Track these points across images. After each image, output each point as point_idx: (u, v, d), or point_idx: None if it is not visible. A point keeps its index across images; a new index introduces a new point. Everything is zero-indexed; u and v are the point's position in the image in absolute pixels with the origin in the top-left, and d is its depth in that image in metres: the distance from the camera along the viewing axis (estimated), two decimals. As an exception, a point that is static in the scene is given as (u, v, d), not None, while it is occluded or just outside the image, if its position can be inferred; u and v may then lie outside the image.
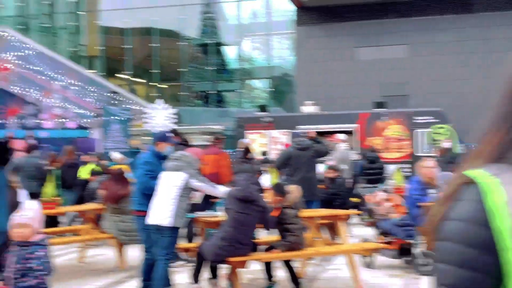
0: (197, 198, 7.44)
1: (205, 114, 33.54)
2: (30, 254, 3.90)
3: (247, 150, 11.06)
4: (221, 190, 6.51)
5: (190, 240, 8.21)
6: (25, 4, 35.94)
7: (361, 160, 13.59)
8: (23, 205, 4.27)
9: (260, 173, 11.29)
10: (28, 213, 4.11)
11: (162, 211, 5.98)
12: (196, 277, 6.25)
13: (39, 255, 3.91)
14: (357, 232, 10.29)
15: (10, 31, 17.09)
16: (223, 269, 6.36)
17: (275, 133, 18.75)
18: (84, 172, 11.66)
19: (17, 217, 4.10)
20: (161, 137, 6.81)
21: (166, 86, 35.65)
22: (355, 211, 9.98)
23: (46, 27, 35.69)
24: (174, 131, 7.76)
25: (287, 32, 33.41)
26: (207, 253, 6.04)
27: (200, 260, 6.20)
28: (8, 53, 17.18)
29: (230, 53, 35.65)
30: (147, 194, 6.24)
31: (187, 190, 6.10)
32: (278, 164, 9.72)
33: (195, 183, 6.12)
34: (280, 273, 6.69)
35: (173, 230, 5.99)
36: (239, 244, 5.92)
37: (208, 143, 11.85)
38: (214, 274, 6.40)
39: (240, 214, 5.95)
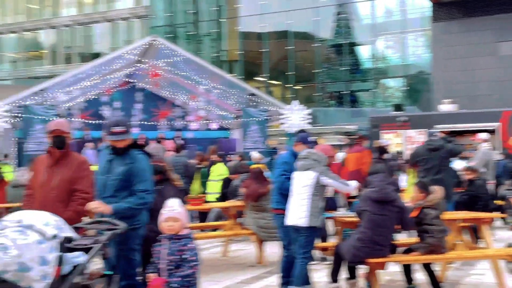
0: (330, 192, 7.27)
1: (339, 114, 33.27)
2: (183, 246, 4.09)
3: (382, 150, 10.78)
4: (352, 186, 6.38)
5: (324, 239, 8.15)
6: (173, 14, 38.04)
7: (504, 160, 12.68)
8: (168, 202, 4.45)
9: (395, 173, 10.95)
10: (177, 208, 4.29)
11: (297, 211, 5.98)
12: (334, 277, 6.17)
13: (191, 247, 4.11)
14: (501, 236, 9.60)
15: (160, 39, 18.10)
16: (361, 269, 6.23)
17: (411, 132, 18.08)
18: (218, 171, 11.95)
19: (167, 212, 4.29)
20: (303, 139, 6.83)
21: (301, 87, 35.90)
22: (499, 213, 9.30)
23: (191, 35, 37.52)
24: (302, 132, 7.73)
25: (422, 29, 32.13)
26: (344, 253, 5.95)
27: (338, 260, 6.12)
28: (158, 60, 18.20)
29: (364, 52, 35.03)
30: (284, 194, 6.29)
31: (318, 188, 6.03)
32: (411, 163, 9.40)
33: (326, 180, 6.04)
34: (420, 276, 6.41)
35: (310, 229, 5.96)
36: (377, 245, 5.76)
37: (345, 143, 11.70)
38: (352, 274, 6.28)
39: (376, 216, 5.79)
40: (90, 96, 19.63)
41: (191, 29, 37.53)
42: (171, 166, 11.44)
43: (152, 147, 10.40)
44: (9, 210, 9.34)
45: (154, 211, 4.59)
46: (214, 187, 11.46)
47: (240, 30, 35.96)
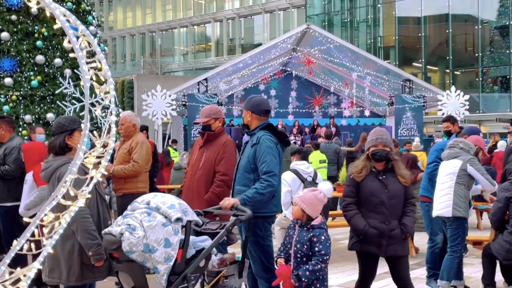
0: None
1: (503, 100, 30.66)
2: (314, 237, 3.80)
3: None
4: (496, 186, 5.73)
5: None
6: (330, 2, 37.77)
7: None
8: (319, 185, 4.23)
9: None
10: (317, 194, 3.99)
11: (442, 201, 5.57)
12: (487, 280, 5.60)
13: (323, 239, 3.80)
14: None
15: (313, 26, 18.02)
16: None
17: None
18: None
19: (297, 197, 4.01)
20: (471, 131, 6.44)
21: (461, 73, 33.65)
22: None
23: (347, 22, 36.97)
24: (450, 118, 7.10)
25: None
26: (496, 253, 5.41)
27: (489, 261, 5.58)
28: (312, 48, 18.19)
29: (533, 34, 31.76)
30: (434, 181, 5.90)
31: (464, 177, 5.53)
32: None
33: (471, 169, 5.50)
34: None
35: (457, 220, 5.49)
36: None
37: (509, 131, 10.65)
38: (507, 276, 5.67)
39: None
40: (248, 85, 20.29)
41: (347, 16, 36.96)
42: (323, 152, 11.32)
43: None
44: (171, 192, 9.96)
45: None
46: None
47: (397, 15, 34.58)
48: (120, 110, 13.15)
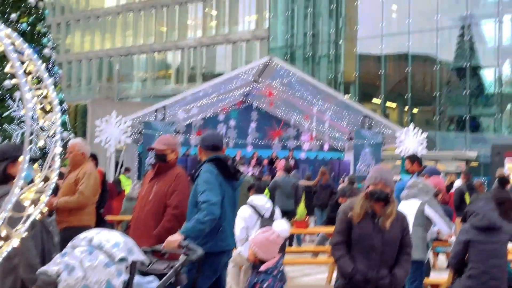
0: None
1: (458, 139, 31.50)
2: (258, 284, 3.68)
3: (503, 180, 9.86)
4: (450, 229, 5.74)
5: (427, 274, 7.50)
6: (292, 36, 38.40)
7: None
8: (274, 224, 4.15)
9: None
10: (271, 234, 3.90)
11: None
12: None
13: (264, 286, 3.62)
14: None
15: (276, 59, 18.21)
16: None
17: (539, 162, 16.58)
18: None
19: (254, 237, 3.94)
20: (430, 172, 6.52)
21: (419, 111, 34.53)
22: None
23: (309, 56, 37.59)
24: (413, 157, 7.22)
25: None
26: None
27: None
28: (274, 80, 18.32)
29: (488, 76, 32.97)
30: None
31: (421, 219, 5.54)
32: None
33: (429, 211, 5.51)
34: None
35: (415, 263, 5.37)
36: (493, 281, 5.10)
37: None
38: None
39: (486, 245, 5.13)
40: (207, 114, 20.19)
41: (309, 50, 37.62)
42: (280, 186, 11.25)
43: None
44: (120, 223, 9.66)
45: None
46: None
47: (358, 52, 35.43)
48: (72, 135, 12.82)
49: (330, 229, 8.98)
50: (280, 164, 17.53)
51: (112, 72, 47.01)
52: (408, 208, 5.56)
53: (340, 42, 36.37)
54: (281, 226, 4.05)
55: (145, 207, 4.82)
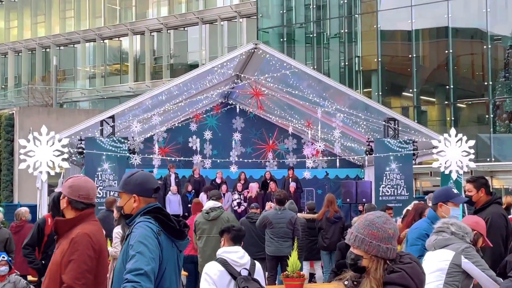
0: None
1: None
2: None
3: None
4: None
5: None
6: (290, 11, 38.39)
7: None
8: None
9: None
10: None
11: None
12: None
13: None
14: None
15: (263, 46, 17.91)
16: None
17: None
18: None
19: None
20: (445, 196, 6.46)
21: (466, 106, 34.54)
22: None
23: (313, 37, 37.48)
24: (479, 181, 7.10)
25: None
26: None
27: None
28: (263, 73, 18.17)
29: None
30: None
31: (456, 275, 5.40)
32: None
33: (468, 265, 5.35)
34: None
35: None
36: None
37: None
38: None
39: None
40: (174, 124, 20.04)
41: (314, 29, 37.58)
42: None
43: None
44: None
45: None
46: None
47: (380, 29, 35.43)
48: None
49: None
50: (274, 187, 17.41)
51: (49, 68, 46.98)
52: (437, 261, 5.45)
53: (355, 16, 36.40)
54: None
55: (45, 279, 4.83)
